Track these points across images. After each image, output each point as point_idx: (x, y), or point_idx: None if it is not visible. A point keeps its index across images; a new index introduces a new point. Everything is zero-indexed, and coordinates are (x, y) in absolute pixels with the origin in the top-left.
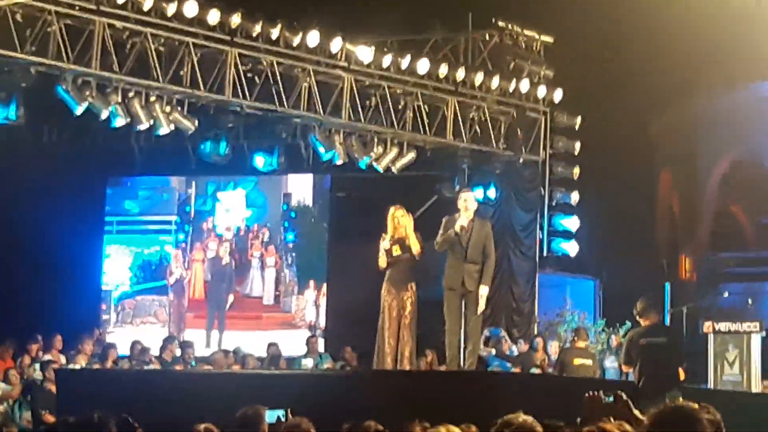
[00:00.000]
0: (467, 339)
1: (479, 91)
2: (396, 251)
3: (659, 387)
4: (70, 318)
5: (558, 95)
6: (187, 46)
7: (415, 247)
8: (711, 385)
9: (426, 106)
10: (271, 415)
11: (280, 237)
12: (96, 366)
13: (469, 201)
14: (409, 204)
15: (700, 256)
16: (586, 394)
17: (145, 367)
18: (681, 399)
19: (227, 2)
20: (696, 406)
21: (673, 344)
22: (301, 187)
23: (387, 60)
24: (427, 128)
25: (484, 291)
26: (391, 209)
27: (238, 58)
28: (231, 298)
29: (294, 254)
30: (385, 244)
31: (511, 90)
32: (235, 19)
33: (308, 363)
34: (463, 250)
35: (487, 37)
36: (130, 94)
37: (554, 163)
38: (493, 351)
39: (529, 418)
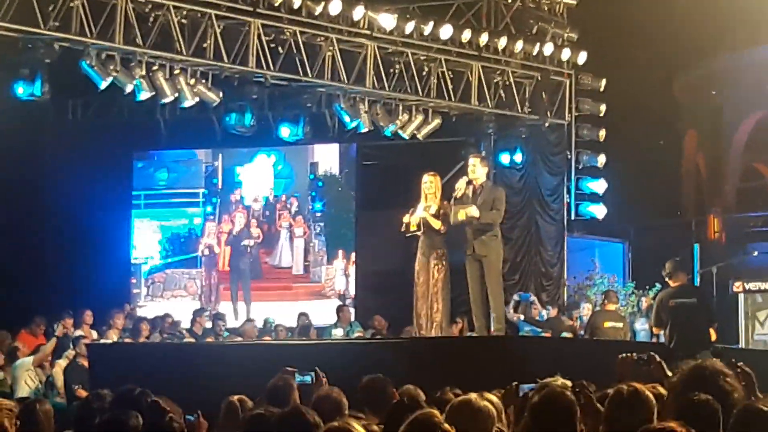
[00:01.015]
0: (491, 305)
1: (503, 56)
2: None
3: (690, 348)
4: (101, 293)
5: (582, 58)
6: (210, 17)
7: (436, 224)
8: (742, 344)
9: (450, 72)
10: (300, 379)
11: (308, 207)
12: (127, 340)
13: (477, 166)
14: (436, 170)
15: (727, 215)
16: (619, 357)
17: (176, 341)
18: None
19: None
20: (720, 364)
21: (703, 305)
22: (327, 157)
23: (410, 26)
24: (451, 94)
25: (473, 211)
26: (425, 175)
27: (261, 29)
28: (252, 268)
29: (322, 224)
30: (419, 207)
31: (534, 53)
32: None
33: (338, 332)
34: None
35: (510, 1)
36: (154, 68)
37: (580, 126)
38: (522, 316)
39: (567, 382)
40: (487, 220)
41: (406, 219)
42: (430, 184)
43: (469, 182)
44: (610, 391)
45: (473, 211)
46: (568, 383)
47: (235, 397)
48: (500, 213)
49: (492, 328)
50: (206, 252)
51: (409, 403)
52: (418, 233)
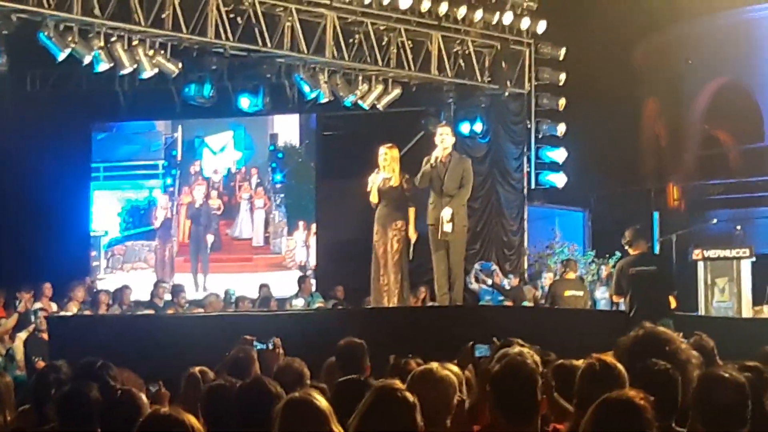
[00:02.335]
0: (452, 275)
1: (462, 25)
2: (385, 185)
3: (650, 315)
4: (60, 266)
5: (542, 27)
6: None
7: (396, 182)
8: (701, 312)
9: (410, 42)
10: (259, 347)
11: (268, 178)
12: (87, 312)
13: (445, 135)
14: (396, 140)
15: (687, 183)
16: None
17: (136, 313)
18: (672, 327)
19: None
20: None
21: (663, 272)
22: (287, 128)
23: None
24: (411, 64)
25: (446, 213)
26: (381, 147)
27: (219, 0)
28: (211, 238)
29: (282, 195)
30: (373, 178)
31: (494, 23)
32: None
33: (299, 303)
34: (439, 186)
35: None
36: (113, 39)
37: (540, 95)
38: (484, 284)
39: (526, 349)
40: (461, 201)
41: (375, 180)
42: (385, 155)
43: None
44: (576, 362)
45: (446, 214)
46: (526, 348)
47: (197, 368)
48: (468, 188)
49: (451, 297)
50: (159, 224)
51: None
52: (393, 191)
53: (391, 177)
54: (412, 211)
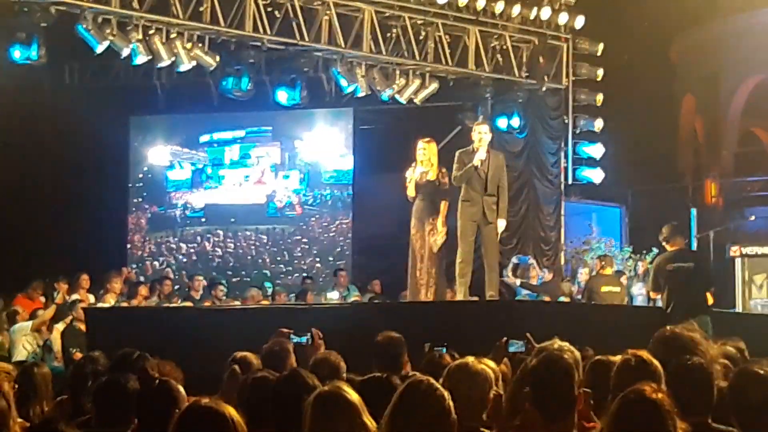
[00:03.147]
0: (489, 269)
1: (500, 20)
2: (422, 179)
3: (687, 312)
4: (98, 256)
5: (580, 22)
6: None
7: (434, 176)
8: (739, 309)
9: (447, 37)
10: (296, 340)
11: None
12: (124, 304)
13: (483, 134)
14: (433, 135)
15: (725, 180)
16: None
17: (174, 304)
18: (710, 324)
19: None
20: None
21: (700, 269)
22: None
23: None
24: (448, 58)
25: (502, 224)
26: (419, 141)
27: None
28: None
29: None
30: (411, 173)
31: (532, 17)
32: None
33: (334, 296)
34: (483, 183)
35: None
36: (151, 32)
37: (577, 91)
38: (519, 281)
39: (565, 345)
40: (505, 210)
41: (413, 175)
42: (424, 150)
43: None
44: (612, 358)
45: (502, 224)
46: (566, 345)
47: (239, 354)
48: (506, 186)
49: (487, 291)
50: None
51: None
52: (430, 185)
53: (429, 171)
54: (444, 205)
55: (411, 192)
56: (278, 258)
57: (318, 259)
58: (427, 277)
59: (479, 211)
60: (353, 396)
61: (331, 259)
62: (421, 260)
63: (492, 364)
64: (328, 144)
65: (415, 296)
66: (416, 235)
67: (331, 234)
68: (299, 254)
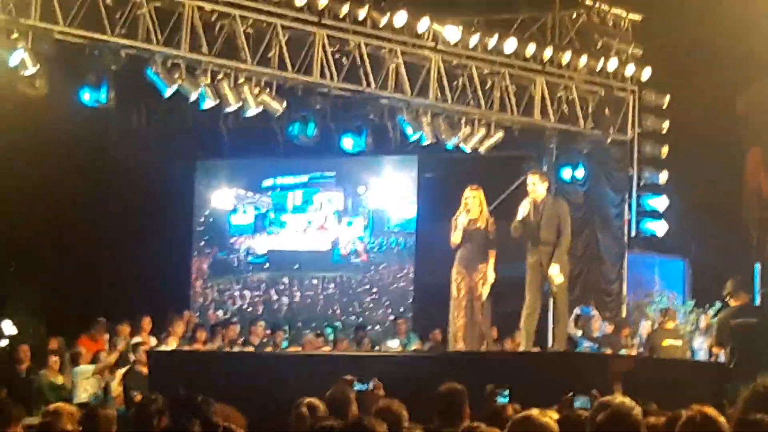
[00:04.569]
0: (557, 320)
1: (567, 70)
2: (471, 226)
3: (751, 368)
4: (160, 301)
5: (646, 74)
6: (275, 27)
7: (483, 224)
8: None
9: (513, 86)
10: (358, 387)
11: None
12: (186, 348)
13: (536, 184)
14: (497, 184)
15: None
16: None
17: (235, 349)
18: None
19: None
20: None
21: (764, 325)
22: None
23: (474, 39)
24: (514, 108)
25: (554, 270)
26: (467, 189)
27: (326, 39)
28: None
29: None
30: (459, 220)
31: (598, 69)
32: (323, 0)
33: (394, 344)
34: (536, 232)
35: (575, 16)
36: (219, 76)
37: (642, 142)
38: (579, 332)
39: (627, 400)
40: (564, 250)
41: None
42: (473, 198)
43: (531, 201)
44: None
45: (557, 279)
46: (627, 400)
47: (305, 400)
48: (568, 233)
49: (552, 342)
50: None
51: None
52: (476, 233)
53: (478, 218)
54: (492, 254)
55: (457, 239)
56: (349, 309)
57: (390, 310)
58: (474, 326)
59: (537, 262)
60: None
61: (395, 307)
62: (460, 308)
63: (556, 416)
64: (394, 191)
65: (454, 345)
66: (461, 283)
67: (401, 284)
68: (371, 305)
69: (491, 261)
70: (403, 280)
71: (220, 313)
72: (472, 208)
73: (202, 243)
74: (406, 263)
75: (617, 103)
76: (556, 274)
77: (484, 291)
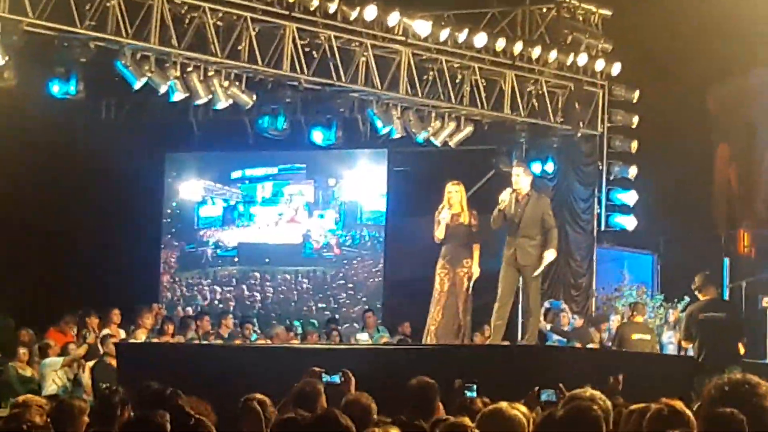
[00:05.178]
0: (528, 314)
1: (537, 65)
2: (454, 221)
3: (719, 362)
4: (129, 293)
5: (616, 69)
6: (245, 20)
7: (465, 219)
8: None
9: (483, 80)
10: (327, 379)
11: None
12: (155, 340)
13: (520, 176)
14: (467, 178)
15: (758, 230)
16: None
17: (204, 341)
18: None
19: None
20: (754, 377)
21: (732, 319)
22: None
23: (444, 34)
24: (484, 102)
25: (550, 255)
26: (447, 184)
27: (296, 33)
28: None
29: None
30: (442, 215)
31: (568, 63)
32: None
33: (363, 337)
34: (516, 225)
35: (545, 10)
36: (189, 69)
37: (612, 137)
38: (549, 326)
39: (597, 393)
40: (554, 244)
41: (444, 217)
42: (455, 193)
43: (513, 192)
44: (644, 406)
45: (550, 255)
46: (598, 394)
47: (256, 396)
48: (554, 228)
49: (523, 335)
50: None
51: None
52: (459, 229)
53: (461, 214)
54: (476, 248)
55: (440, 234)
56: (324, 305)
57: (367, 306)
58: (454, 320)
59: (513, 255)
60: None
61: (372, 303)
62: (443, 303)
63: (525, 409)
64: (365, 183)
65: (430, 338)
66: (444, 278)
67: (377, 279)
68: (347, 302)
69: (476, 255)
70: (379, 274)
71: (189, 310)
72: (455, 203)
73: (169, 236)
74: (380, 257)
75: (587, 97)
76: (550, 259)
77: (470, 286)
